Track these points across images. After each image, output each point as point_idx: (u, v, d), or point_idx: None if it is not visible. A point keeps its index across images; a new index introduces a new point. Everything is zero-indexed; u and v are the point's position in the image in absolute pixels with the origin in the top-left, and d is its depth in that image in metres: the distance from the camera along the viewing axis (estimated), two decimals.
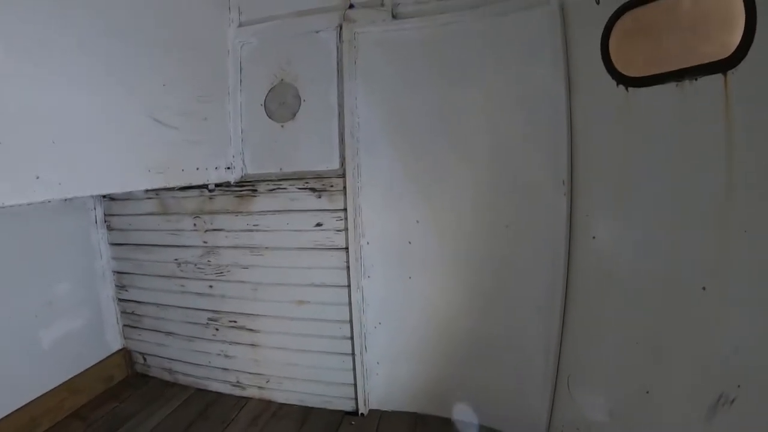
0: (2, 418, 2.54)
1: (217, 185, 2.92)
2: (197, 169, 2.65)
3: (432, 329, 2.75)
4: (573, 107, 2.23)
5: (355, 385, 2.87)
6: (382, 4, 2.65)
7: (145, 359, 3.46)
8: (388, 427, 2.77)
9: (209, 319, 3.14)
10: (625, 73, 1.93)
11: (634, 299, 1.97)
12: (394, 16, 2.65)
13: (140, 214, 3.21)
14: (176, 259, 3.15)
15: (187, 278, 3.15)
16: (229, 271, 3.03)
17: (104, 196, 3.29)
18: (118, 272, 3.40)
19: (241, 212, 2.93)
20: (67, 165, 1.84)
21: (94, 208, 3.29)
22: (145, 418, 2.90)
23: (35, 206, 2.69)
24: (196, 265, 3.10)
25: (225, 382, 3.20)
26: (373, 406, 2.94)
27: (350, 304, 2.78)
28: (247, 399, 3.12)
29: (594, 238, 2.17)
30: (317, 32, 2.77)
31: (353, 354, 2.84)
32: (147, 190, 3.00)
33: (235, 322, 3.08)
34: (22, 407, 2.65)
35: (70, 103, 1.84)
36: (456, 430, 2.71)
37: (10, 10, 1.58)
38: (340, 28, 2.70)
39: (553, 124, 2.27)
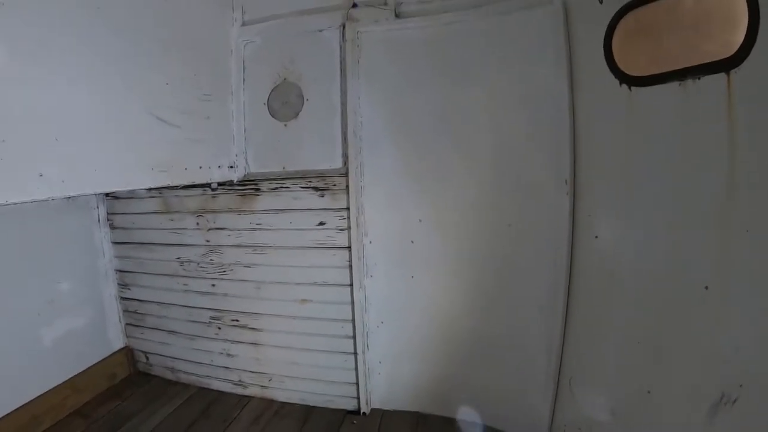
0: (4, 416, 2.54)
1: (220, 184, 2.93)
2: (200, 167, 2.65)
3: (434, 328, 2.75)
4: (576, 106, 2.23)
5: (357, 384, 2.88)
6: (386, 4, 2.66)
7: (147, 358, 3.46)
8: (390, 427, 2.77)
9: (211, 317, 3.15)
10: (627, 72, 1.93)
11: (636, 299, 1.96)
12: (397, 16, 2.65)
13: (143, 213, 3.22)
14: (179, 258, 3.16)
15: (190, 277, 3.15)
16: (231, 270, 3.03)
17: (107, 195, 3.30)
18: (121, 271, 3.41)
19: (243, 211, 2.94)
20: (70, 163, 1.84)
21: (97, 207, 3.30)
22: (147, 416, 2.90)
23: (38, 204, 2.68)
24: (198, 263, 3.11)
25: (227, 380, 3.21)
26: (375, 405, 2.94)
27: (353, 303, 2.79)
28: (249, 398, 3.12)
29: (596, 237, 2.17)
30: (320, 31, 2.78)
31: (355, 353, 2.84)
32: (150, 189, 3.01)
33: (237, 320, 3.08)
34: (24, 405, 2.65)
35: (72, 101, 1.84)
36: (458, 430, 2.71)
37: (13, 11, 1.58)
38: (343, 27, 2.71)
39: (555, 124, 2.27)
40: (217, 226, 3.02)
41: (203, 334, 3.20)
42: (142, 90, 2.23)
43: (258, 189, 2.89)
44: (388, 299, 2.79)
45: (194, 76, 2.61)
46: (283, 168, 2.88)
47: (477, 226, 2.56)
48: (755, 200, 1.48)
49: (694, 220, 1.69)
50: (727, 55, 1.52)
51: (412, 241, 2.70)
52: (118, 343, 3.44)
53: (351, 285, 2.78)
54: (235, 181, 2.93)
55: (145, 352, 3.47)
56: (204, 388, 3.25)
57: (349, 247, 2.75)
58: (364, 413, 2.88)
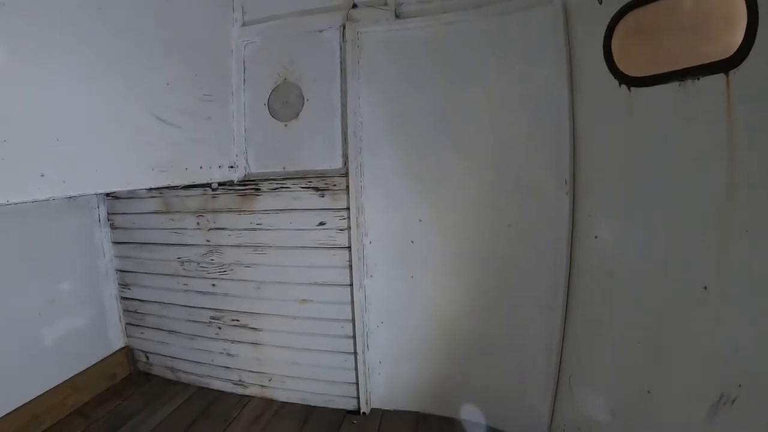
0: (5, 416, 2.54)
1: (220, 184, 2.93)
2: (200, 167, 2.66)
3: (434, 328, 2.75)
4: (575, 107, 2.23)
5: (357, 384, 2.88)
6: (386, 4, 2.66)
7: (147, 357, 3.47)
8: (390, 426, 2.77)
9: (212, 317, 3.15)
10: (627, 72, 1.93)
11: (635, 299, 1.97)
12: (398, 16, 2.66)
13: (143, 213, 3.23)
14: (179, 258, 3.16)
15: (190, 277, 3.16)
16: (231, 270, 3.04)
17: (107, 195, 3.30)
18: (121, 271, 3.41)
19: (244, 211, 2.94)
20: (71, 163, 1.85)
21: (98, 207, 3.30)
22: (147, 416, 2.91)
23: (39, 204, 2.68)
24: (199, 263, 3.11)
25: (227, 380, 3.21)
26: (375, 405, 2.94)
27: (353, 303, 2.79)
28: (249, 397, 3.12)
29: (596, 237, 2.17)
30: (320, 32, 2.78)
31: (355, 353, 2.84)
32: (150, 189, 3.01)
33: (237, 320, 3.09)
34: (24, 405, 2.65)
35: (73, 101, 1.85)
36: (458, 430, 2.71)
37: (14, 11, 1.58)
38: (344, 28, 2.71)
39: (555, 124, 2.28)
40: (218, 226, 3.02)
41: (203, 333, 3.20)
42: (143, 90, 2.24)
43: (258, 189, 2.90)
44: (388, 299, 2.79)
45: (195, 76, 2.61)
46: (284, 168, 2.88)
47: (477, 226, 2.57)
48: (755, 200, 1.49)
49: (694, 221, 1.70)
50: (726, 56, 1.53)
51: (412, 241, 2.71)
52: (118, 342, 3.44)
53: (351, 285, 2.78)
54: (235, 181, 2.93)
55: (145, 352, 3.47)
56: (204, 388, 3.25)
57: (349, 247, 2.75)
58: (364, 413, 2.88)
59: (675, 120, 1.74)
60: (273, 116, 2.89)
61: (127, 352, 3.47)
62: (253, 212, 2.92)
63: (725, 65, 1.54)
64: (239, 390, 3.18)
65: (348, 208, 2.73)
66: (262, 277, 2.97)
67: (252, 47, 2.92)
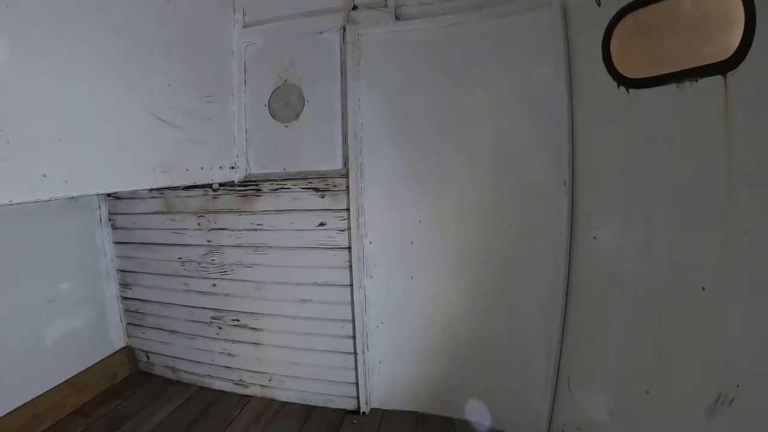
0: (6, 415, 2.55)
1: (221, 184, 2.94)
2: (201, 168, 2.67)
3: (434, 329, 2.76)
4: (574, 108, 2.24)
5: (357, 384, 2.88)
6: (386, 6, 2.67)
7: (148, 357, 3.47)
8: (390, 426, 2.77)
9: (212, 317, 3.16)
10: (626, 74, 1.94)
11: (635, 299, 1.97)
12: (398, 18, 2.67)
13: (144, 213, 3.24)
14: (180, 258, 3.17)
15: (191, 277, 3.17)
16: (232, 270, 3.05)
17: (109, 195, 3.31)
18: (122, 271, 3.42)
19: (244, 211, 2.95)
20: (72, 163, 1.85)
21: (99, 207, 3.31)
22: (147, 416, 2.91)
23: (40, 204, 2.71)
24: (199, 263, 3.12)
25: (227, 380, 3.21)
26: (375, 405, 2.95)
27: (353, 303, 2.80)
28: (249, 397, 3.13)
29: (595, 238, 2.18)
30: (321, 33, 2.79)
31: (355, 353, 2.85)
32: (151, 189, 3.03)
33: (238, 320, 3.09)
34: (25, 404, 2.66)
35: (75, 102, 1.85)
36: (457, 430, 2.71)
37: (16, 12, 1.59)
38: (344, 29, 2.72)
39: (555, 125, 2.29)
40: (218, 227, 3.03)
41: (204, 333, 3.21)
42: (144, 91, 2.25)
43: (259, 190, 2.91)
44: (388, 299, 2.80)
45: (196, 77, 2.62)
46: (284, 169, 2.89)
47: (477, 227, 2.57)
48: (753, 200, 1.49)
49: (693, 221, 1.70)
50: (724, 58, 1.54)
51: (412, 242, 2.71)
52: (119, 342, 3.45)
53: (351, 285, 2.79)
54: (236, 182, 2.94)
55: (145, 352, 3.48)
56: (204, 388, 3.26)
57: (349, 248, 2.76)
58: (363, 413, 2.88)
59: (673, 121, 1.75)
60: (273, 117, 2.90)
61: (128, 351, 3.48)
62: (253, 213, 2.93)
63: (723, 67, 1.54)
64: (239, 390, 3.19)
65: (348, 209, 2.73)
66: (262, 278, 2.98)
67: (253, 48, 2.93)
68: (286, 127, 2.87)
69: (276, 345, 3.04)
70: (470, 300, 2.65)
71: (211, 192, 2.99)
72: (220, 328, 3.15)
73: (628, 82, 1.92)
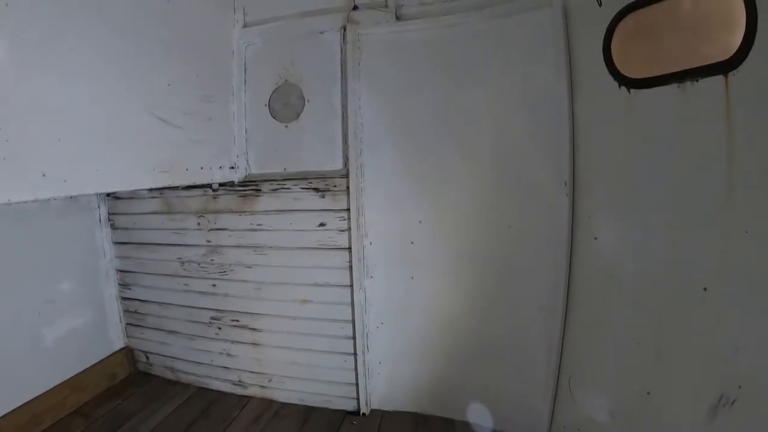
0: (5, 415, 2.54)
1: (221, 185, 2.94)
2: (201, 168, 2.66)
3: (434, 329, 2.75)
4: (575, 109, 2.24)
5: (357, 384, 2.88)
6: (386, 6, 2.67)
7: (147, 357, 3.47)
8: (390, 427, 2.77)
9: (212, 317, 3.15)
10: (626, 74, 1.95)
11: (635, 300, 1.97)
12: (398, 18, 2.66)
13: (144, 213, 3.23)
14: (180, 258, 3.17)
15: (191, 277, 3.16)
16: (232, 270, 3.04)
17: (108, 195, 3.31)
18: (122, 271, 3.42)
19: (244, 212, 2.95)
20: (72, 163, 1.84)
21: (99, 207, 3.31)
22: (147, 416, 2.90)
23: (40, 204, 2.74)
24: (199, 264, 3.12)
25: (227, 380, 3.21)
26: (375, 406, 2.94)
27: (353, 303, 2.79)
28: (248, 398, 3.12)
29: (596, 239, 2.18)
30: (321, 33, 2.79)
31: (355, 354, 2.84)
32: (151, 189, 3.02)
33: (237, 321, 3.09)
34: (24, 404, 2.65)
35: (74, 101, 1.85)
36: (457, 431, 2.71)
37: (16, 11, 1.59)
38: (344, 30, 2.72)
39: (555, 126, 2.28)
40: (218, 227, 3.03)
41: (203, 334, 3.20)
42: (144, 90, 2.24)
43: (259, 190, 2.90)
44: (388, 300, 2.80)
45: (196, 77, 2.62)
46: (284, 169, 2.89)
47: (477, 227, 2.57)
48: (754, 200, 1.49)
49: (693, 221, 1.70)
50: (725, 58, 1.54)
51: (413, 242, 2.71)
52: (118, 342, 3.44)
53: (351, 286, 2.78)
54: (236, 182, 2.94)
55: (145, 352, 3.47)
56: (204, 388, 3.25)
57: (350, 248, 2.76)
58: (363, 414, 2.88)
59: (674, 121, 1.75)
60: (274, 117, 2.90)
61: (127, 352, 3.47)
62: (253, 213, 2.93)
63: (724, 67, 1.54)
64: (239, 390, 3.18)
65: (348, 209, 2.73)
66: (262, 278, 2.97)
67: (253, 48, 2.93)
68: (287, 127, 2.87)
69: (276, 345, 3.03)
70: (470, 300, 2.65)
71: (210, 192, 2.98)
72: (219, 328, 3.14)
73: (629, 82, 1.92)
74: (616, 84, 1.97)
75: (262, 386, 3.11)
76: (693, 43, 1.73)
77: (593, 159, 2.19)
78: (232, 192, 2.96)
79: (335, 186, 2.75)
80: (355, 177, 2.70)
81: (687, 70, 1.67)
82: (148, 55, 2.26)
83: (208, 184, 2.88)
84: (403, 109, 2.65)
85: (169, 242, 3.18)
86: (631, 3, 1.89)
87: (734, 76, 1.52)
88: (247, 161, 2.97)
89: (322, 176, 2.78)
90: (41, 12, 1.69)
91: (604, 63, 2.02)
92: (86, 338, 3.16)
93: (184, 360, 3.32)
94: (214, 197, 3.00)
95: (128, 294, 3.43)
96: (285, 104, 2.87)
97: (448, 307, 2.70)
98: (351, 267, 2.76)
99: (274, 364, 3.06)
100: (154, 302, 3.33)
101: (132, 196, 3.24)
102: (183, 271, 3.17)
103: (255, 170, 2.97)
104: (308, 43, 2.82)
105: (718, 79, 1.56)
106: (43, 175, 1.71)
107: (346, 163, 2.74)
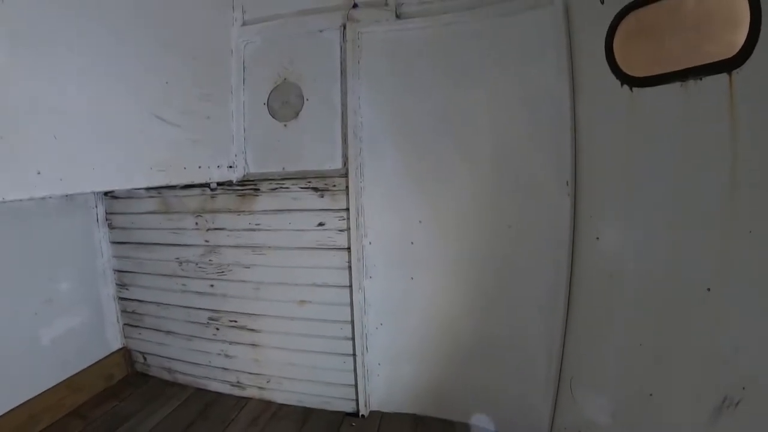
0: (2, 415, 2.53)
1: (219, 184, 2.92)
2: (199, 167, 2.65)
3: (434, 330, 2.74)
4: (577, 107, 2.22)
5: (356, 386, 2.86)
6: (386, 4, 2.65)
7: (145, 358, 3.45)
8: (389, 429, 2.75)
9: (210, 318, 3.13)
10: (629, 73, 1.93)
11: (637, 300, 1.96)
12: (398, 16, 2.65)
13: (142, 213, 3.21)
14: (177, 258, 3.15)
15: (188, 277, 3.14)
16: (230, 271, 3.02)
17: (106, 194, 3.29)
18: (119, 271, 3.40)
19: (243, 211, 2.93)
20: (68, 161, 1.83)
21: (96, 206, 3.29)
22: (144, 417, 2.89)
23: (37, 203, 2.72)
24: (197, 264, 3.10)
25: (225, 382, 3.19)
26: (374, 407, 2.92)
27: (352, 304, 2.77)
28: (247, 399, 3.11)
29: (597, 239, 2.16)
30: (321, 31, 2.77)
31: (354, 355, 2.83)
32: (149, 188, 3.01)
33: (235, 321, 3.07)
34: (21, 404, 2.64)
35: (71, 99, 1.84)
36: None
37: (13, 9, 1.58)
38: (344, 28, 2.70)
39: (556, 125, 2.27)
40: (216, 227, 3.01)
41: (201, 334, 3.18)
42: (142, 89, 2.23)
43: (257, 189, 2.88)
44: (388, 301, 2.78)
45: (194, 75, 2.61)
46: (283, 168, 2.87)
47: (477, 227, 2.55)
48: (757, 200, 1.47)
49: (696, 221, 1.69)
50: (729, 56, 1.52)
51: (412, 242, 2.69)
52: (115, 343, 3.42)
53: (350, 286, 2.77)
54: (234, 182, 2.92)
55: (142, 353, 3.46)
56: (202, 389, 3.24)
57: (349, 248, 2.74)
58: (362, 415, 2.86)
59: (677, 120, 1.73)
60: (272, 116, 2.88)
61: (125, 352, 3.45)
62: (252, 212, 2.91)
63: (728, 65, 1.53)
64: (237, 391, 3.16)
65: (347, 209, 2.71)
66: (260, 278, 2.96)
67: (252, 47, 2.92)
68: (285, 126, 2.85)
69: (274, 346, 3.01)
70: (470, 301, 2.63)
71: (209, 191, 2.97)
72: (217, 329, 3.13)
73: (631, 81, 1.91)
74: (618, 82, 1.95)
75: (260, 387, 3.09)
76: (696, 42, 1.71)
77: (595, 158, 2.17)
78: (230, 191, 2.94)
79: (334, 185, 2.73)
80: (354, 176, 2.68)
81: (690, 68, 1.65)
82: (145, 53, 2.25)
83: (206, 184, 2.86)
84: (403, 108, 2.63)
85: (166, 242, 3.16)
86: (634, 1, 1.87)
87: (738, 74, 1.50)
88: (246, 160, 2.95)
89: (321, 176, 2.77)
90: (38, 10, 1.68)
91: (606, 61, 2.00)
92: (84, 338, 3.14)
93: (182, 361, 3.30)
94: (212, 197, 2.98)
95: (126, 294, 3.41)
96: (284, 103, 2.86)
97: (448, 307, 2.68)
98: (350, 267, 2.75)
99: (272, 365, 3.04)
100: (151, 302, 3.31)
101: (130, 195, 3.22)
102: (181, 271, 3.15)
103: (253, 169, 2.95)
104: (308, 42, 2.80)
105: (721, 78, 1.55)
106: (39, 173, 1.70)
107: (345, 163, 2.73)
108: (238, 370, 3.14)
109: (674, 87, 1.72)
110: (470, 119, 2.52)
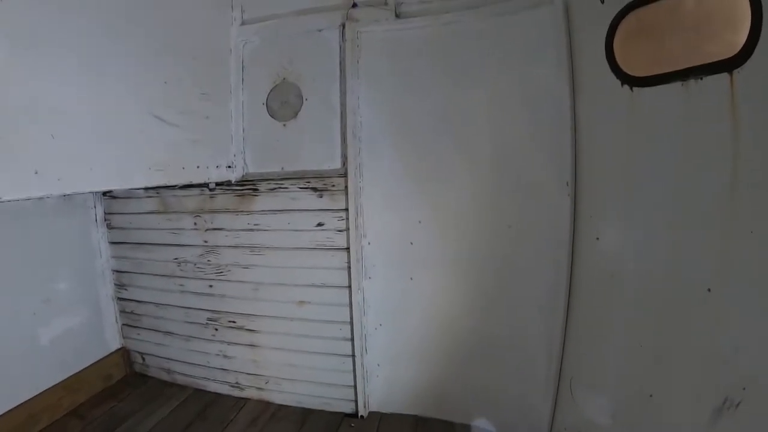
0: (1, 415, 2.52)
1: (217, 184, 2.91)
2: (198, 167, 2.64)
3: (433, 330, 2.73)
4: (577, 107, 2.22)
5: (355, 386, 2.85)
6: (386, 3, 2.65)
7: (143, 359, 3.44)
8: (388, 430, 2.75)
9: (208, 319, 3.13)
10: (629, 72, 1.92)
11: (637, 301, 1.95)
12: (398, 16, 2.64)
13: (141, 213, 3.20)
14: (176, 259, 3.14)
15: (187, 278, 3.13)
16: (229, 271, 3.01)
17: (105, 194, 3.28)
18: (118, 271, 3.39)
19: (241, 211, 2.92)
20: (66, 161, 1.83)
21: (95, 207, 3.28)
22: (143, 417, 2.88)
23: (35, 203, 2.72)
24: (195, 264, 3.09)
25: (224, 382, 3.18)
26: (373, 408, 2.91)
27: (351, 305, 2.77)
28: (245, 400, 3.10)
29: (598, 239, 2.15)
30: (320, 31, 2.77)
31: (353, 355, 2.82)
32: (147, 188, 3.00)
33: (234, 322, 3.06)
34: (20, 405, 2.63)
35: (69, 99, 1.83)
36: None
37: (11, 8, 1.57)
38: (343, 27, 2.70)
39: (556, 125, 2.26)
40: (215, 227, 3.00)
41: (200, 335, 3.17)
42: (140, 88, 2.23)
43: (256, 189, 2.87)
44: (387, 301, 2.77)
45: (193, 75, 2.60)
46: (282, 168, 2.87)
47: (477, 227, 2.55)
48: (758, 200, 1.46)
49: (696, 221, 1.68)
50: (730, 55, 1.51)
51: (411, 243, 2.68)
52: (114, 343, 3.41)
53: (349, 287, 2.76)
54: (233, 182, 2.91)
55: (141, 353, 3.45)
56: (200, 390, 3.23)
57: (348, 249, 2.73)
58: (362, 416, 2.85)
59: (678, 120, 1.72)
60: (271, 116, 2.87)
61: (124, 353, 3.45)
62: (250, 213, 2.90)
63: (729, 64, 1.52)
64: (236, 392, 3.15)
65: (347, 209, 2.70)
66: (259, 279, 2.95)
67: (251, 46, 2.91)
68: (284, 126, 2.85)
69: (273, 347, 3.00)
70: (470, 301, 2.62)
71: (207, 191, 2.96)
72: (216, 329, 3.12)
73: (631, 81, 1.90)
74: (618, 82, 1.95)
75: (259, 388, 3.09)
76: (696, 41, 1.70)
77: (595, 158, 2.16)
78: (229, 191, 2.93)
79: (333, 185, 2.72)
80: (353, 176, 2.67)
81: (691, 68, 1.64)
82: (144, 52, 2.25)
83: (204, 184, 2.85)
84: (402, 107, 2.62)
85: (165, 242, 3.15)
86: (634, 0, 1.86)
87: (739, 73, 1.49)
88: (245, 160, 2.94)
89: (320, 176, 2.76)
90: (36, 10, 1.68)
91: (606, 61, 2.00)
92: (82, 339, 3.14)
93: (181, 361, 3.29)
94: (211, 197, 2.97)
95: (124, 294, 3.40)
96: (283, 103, 2.85)
97: (448, 307, 2.67)
98: (349, 267, 2.74)
99: (271, 366, 3.03)
100: (150, 303, 3.30)
101: (128, 195, 3.21)
102: (179, 271, 3.14)
103: (252, 169, 2.94)
104: (307, 41, 2.79)
105: (722, 77, 1.54)
106: (36, 173, 1.70)
107: (344, 163, 2.72)
108: (236, 371, 3.13)
109: (675, 87, 1.71)
110: (470, 119, 2.51)
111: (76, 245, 3.17)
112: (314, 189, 2.75)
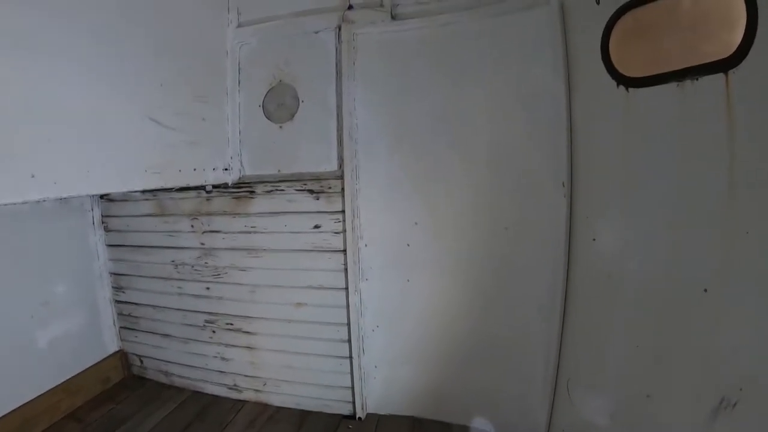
0: None
1: (214, 186, 2.91)
2: (194, 170, 2.63)
3: (431, 331, 2.72)
4: (573, 108, 2.22)
5: (353, 388, 2.85)
6: (382, 5, 2.64)
7: (141, 361, 3.44)
8: None
9: (206, 321, 3.12)
10: (625, 73, 1.92)
11: (634, 301, 1.95)
12: (394, 17, 2.64)
13: (138, 216, 3.20)
14: (173, 261, 3.13)
15: (184, 280, 3.13)
16: (226, 273, 3.01)
17: (102, 197, 3.28)
18: (115, 274, 3.38)
19: (238, 214, 2.91)
20: (62, 164, 1.82)
21: (92, 209, 3.28)
22: (141, 420, 2.87)
23: (32, 206, 2.71)
24: (193, 266, 3.08)
25: (221, 384, 3.18)
26: (371, 409, 2.91)
27: (348, 306, 2.76)
28: (243, 402, 3.09)
29: (594, 240, 2.15)
30: (316, 33, 2.76)
31: (351, 357, 2.81)
32: (144, 191, 2.99)
33: (231, 324, 3.06)
34: (18, 408, 2.62)
35: (65, 102, 1.82)
36: None
37: (6, 11, 1.57)
38: (339, 29, 2.69)
39: (553, 125, 2.26)
40: (212, 229, 2.99)
41: (198, 337, 3.17)
42: (136, 91, 2.21)
43: (253, 192, 2.87)
44: (384, 303, 2.77)
45: (189, 77, 2.59)
46: (278, 170, 2.86)
47: (474, 228, 2.54)
48: (755, 200, 1.47)
49: (693, 221, 1.68)
50: (726, 56, 1.52)
51: (408, 244, 2.68)
52: (112, 346, 3.41)
53: (346, 288, 2.75)
54: (229, 184, 2.90)
55: (139, 356, 3.44)
56: (198, 392, 3.22)
57: (345, 251, 2.72)
58: (359, 418, 2.85)
59: (673, 120, 1.72)
60: (268, 118, 2.87)
61: (121, 355, 3.44)
62: (247, 215, 2.90)
63: (724, 65, 1.52)
64: (234, 394, 3.15)
65: (343, 211, 2.70)
66: (256, 281, 2.94)
67: (247, 48, 2.90)
68: (281, 127, 2.84)
69: (270, 349, 3.00)
70: (467, 302, 2.62)
71: (204, 194, 2.95)
72: (213, 331, 3.11)
73: (627, 81, 1.90)
74: (614, 83, 1.95)
75: (256, 390, 3.08)
76: (692, 41, 1.70)
77: (591, 159, 2.16)
78: (225, 194, 2.93)
79: (330, 187, 2.72)
80: (350, 178, 2.67)
81: (687, 68, 1.65)
82: (140, 54, 2.23)
83: (201, 186, 2.84)
84: (399, 109, 2.62)
85: (162, 245, 3.15)
86: (630, 1, 1.86)
87: (735, 74, 1.49)
88: (241, 162, 2.94)
89: (317, 177, 2.76)
90: (31, 13, 1.67)
91: (602, 61, 2.00)
92: (80, 341, 3.13)
93: (179, 364, 3.29)
94: (208, 199, 2.96)
95: (122, 297, 3.39)
96: (279, 105, 2.84)
97: (445, 309, 2.67)
98: (346, 269, 2.73)
99: (268, 368, 3.03)
100: (148, 305, 3.30)
101: (125, 198, 3.20)
102: (177, 273, 3.14)
103: (249, 172, 2.94)
104: (303, 43, 2.79)
105: (718, 77, 1.54)
106: (33, 177, 1.69)
107: (341, 165, 2.71)
108: (234, 373, 3.13)
109: (671, 87, 1.71)
110: (467, 120, 2.51)
111: (73, 248, 3.17)
112: (311, 191, 2.75)
